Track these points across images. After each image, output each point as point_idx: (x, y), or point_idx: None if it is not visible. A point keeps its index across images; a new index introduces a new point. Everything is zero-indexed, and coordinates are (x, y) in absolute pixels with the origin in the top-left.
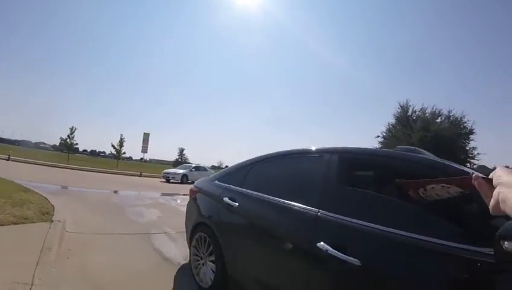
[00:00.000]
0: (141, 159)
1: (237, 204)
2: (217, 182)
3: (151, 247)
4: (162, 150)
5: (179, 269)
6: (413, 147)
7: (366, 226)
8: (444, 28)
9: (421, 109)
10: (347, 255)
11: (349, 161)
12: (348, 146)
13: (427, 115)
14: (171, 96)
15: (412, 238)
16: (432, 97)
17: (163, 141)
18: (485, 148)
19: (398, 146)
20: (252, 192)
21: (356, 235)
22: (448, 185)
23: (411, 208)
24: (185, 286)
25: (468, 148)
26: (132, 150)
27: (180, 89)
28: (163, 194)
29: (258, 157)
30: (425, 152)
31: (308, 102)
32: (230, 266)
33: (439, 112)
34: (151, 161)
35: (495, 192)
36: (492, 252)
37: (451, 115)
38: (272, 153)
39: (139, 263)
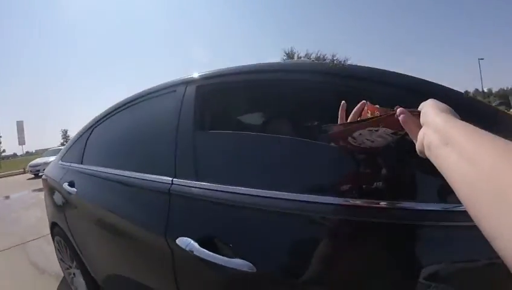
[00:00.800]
0: (26, 152)
1: (75, 190)
2: (60, 162)
3: (27, 259)
4: (47, 137)
5: (61, 282)
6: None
7: (257, 196)
8: None
9: (306, 54)
10: (229, 258)
11: (214, 89)
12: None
13: (313, 60)
14: (41, 75)
15: (342, 207)
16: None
17: (45, 127)
18: None
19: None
20: (91, 168)
21: (242, 215)
22: (376, 128)
23: (326, 154)
24: None
25: None
26: (13, 144)
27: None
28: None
29: (99, 115)
30: None
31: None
32: (98, 277)
33: (324, 56)
34: (37, 152)
35: (420, 133)
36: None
37: (335, 59)
38: (114, 105)
39: (11, 285)
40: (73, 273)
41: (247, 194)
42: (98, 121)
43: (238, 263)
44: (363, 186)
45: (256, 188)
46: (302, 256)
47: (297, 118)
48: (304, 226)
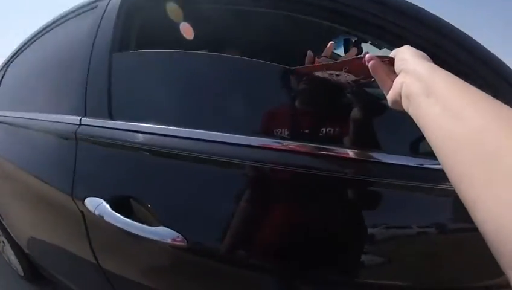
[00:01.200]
0: None
1: None
2: None
3: None
4: None
5: None
6: None
7: (190, 140)
8: None
9: None
10: (150, 225)
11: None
12: None
13: None
14: None
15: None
16: None
17: None
18: None
19: None
20: (2, 114)
21: (169, 166)
22: (337, 73)
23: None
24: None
25: None
26: None
27: None
28: None
29: (14, 49)
30: None
31: None
32: (21, 244)
33: None
34: None
35: (397, 81)
36: None
37: None
38: (30, 35)
39: None
40: (3, 242)
41: (178, 137)
42: (11, 57)
43: (162, 233)
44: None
45: (190, 128)
46: (245, 223)
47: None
48: (256, 181)
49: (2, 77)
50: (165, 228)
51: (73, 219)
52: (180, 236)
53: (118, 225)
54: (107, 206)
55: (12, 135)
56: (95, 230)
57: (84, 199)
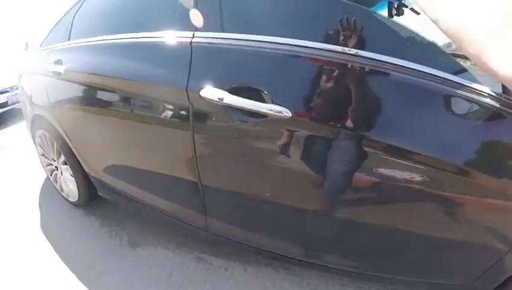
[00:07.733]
0: None
1: (64, 67)
2: (41, 48)
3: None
4: None
5: (43, 184)
6: None
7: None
8: None
9: None
10: (263, 102)
11: None
12: None
13: None
14: None
15: None
16: None
17: None
18: None
19: None
20: (84, 40)
21: (270, 58)
22: None
23: None
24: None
25: None
26: None
27: None
28: None
29: None
30: None
31: None
32: (92, 172)
33: None
34: None
35: None
36: None
37: None
38: None
39: None
40: (56, 167)
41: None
42: None
43: (274, 108)
44: None
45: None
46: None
47: None
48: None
49: (77, 11)
50: (275, 105)
51: (183, 121)
52: (287, 109)
53: (235, 104)
54: (226, 92)
55: (100, 53)
56: (208, 121)
57: (200, 90)
